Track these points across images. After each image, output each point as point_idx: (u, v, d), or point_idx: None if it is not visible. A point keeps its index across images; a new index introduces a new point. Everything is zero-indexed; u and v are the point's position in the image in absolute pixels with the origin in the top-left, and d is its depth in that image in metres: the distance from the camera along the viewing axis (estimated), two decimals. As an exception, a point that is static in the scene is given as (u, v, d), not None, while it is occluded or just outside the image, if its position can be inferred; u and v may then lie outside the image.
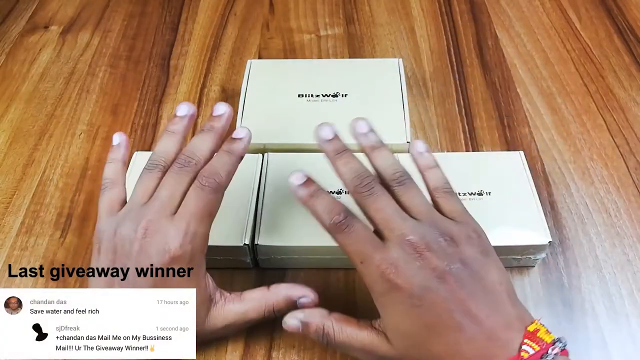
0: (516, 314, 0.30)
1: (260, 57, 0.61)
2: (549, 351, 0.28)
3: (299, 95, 0.50)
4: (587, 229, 0.44)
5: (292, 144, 0.46)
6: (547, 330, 0.29)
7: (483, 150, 0.51)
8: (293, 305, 0.36)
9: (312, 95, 0.49)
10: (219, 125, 0.37)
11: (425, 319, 0.30)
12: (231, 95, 0.56)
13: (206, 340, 0.37)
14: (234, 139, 0.36)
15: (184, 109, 0.38)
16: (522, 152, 0.45)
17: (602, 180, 0.48)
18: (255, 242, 0.40)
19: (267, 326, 0.39)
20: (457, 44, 0.61)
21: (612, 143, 0.51)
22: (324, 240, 0.39)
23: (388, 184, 0.34)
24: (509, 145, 0.51)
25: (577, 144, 0.51)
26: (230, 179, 0.35)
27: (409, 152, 0.38)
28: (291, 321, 0.34)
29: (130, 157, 0.45)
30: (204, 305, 0.35)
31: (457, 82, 0.57)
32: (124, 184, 0.37)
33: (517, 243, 0.40)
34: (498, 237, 0.39)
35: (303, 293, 0.36)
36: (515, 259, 0.41)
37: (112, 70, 0.60)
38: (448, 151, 0.50)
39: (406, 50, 0.61)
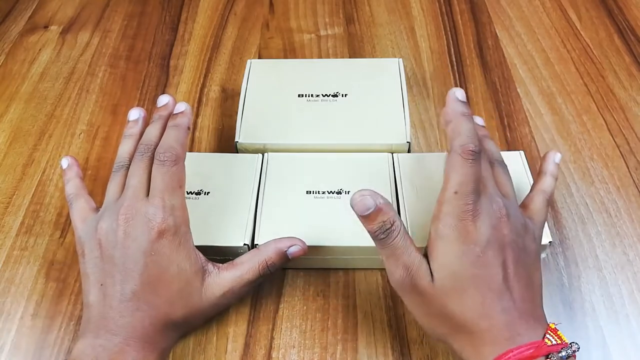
0: (542, 315, 0.32)
1: (260, 57, 0.61)
2: (569, 347, 0.30)
3: (299, 95, 0.49)
4: (587, 229, 0.44)
5: (292, 144, 0.46)
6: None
7: (483, 150, 0.50)
8: (285, 257, 0.37)
9: (312, 95, 0.49)
10: (165, 113, 0.40)
11: (476, 269, 0.31)
12: (231, 95, 0.56)
13: (208, 314, 0.37)
14: (176, 114, 0.39)
15: (135, 114, 0.41)
16: (522, 152, 0.45)
17: (603, 180, 0.48)
18: (255, 242, 0.40)
19: (267, 326, 0.39)
20: (457, 44, 0.61)
21: (612, 143, 0.51)
22: (324, 240, 0.40)
23: (491, 162, 0.37)
24: (509, 145, 0.51)
25: (577, 144, 0.51)
26: (185, 150, 0.37)
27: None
28: (368, 199, 0.32)
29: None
30: (198, 276, 0.36)
31: (457, 82, 0.57)
32: (88, 195, 0.40)
33: (517, 243, 0.40)
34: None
35: (292, 242, 0.38)
36: (516, 259, 0.41)
37: (112, 70, 0.60)
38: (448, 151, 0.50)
39: (406, 50, 0.61)
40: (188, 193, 0.43)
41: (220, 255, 0.40)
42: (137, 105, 0.55)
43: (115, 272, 0.34)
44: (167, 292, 0.34)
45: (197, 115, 0.54)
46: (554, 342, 0.29)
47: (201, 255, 0.37)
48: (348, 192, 0.42)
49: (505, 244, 0.32)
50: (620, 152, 0.50)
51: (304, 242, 0.38)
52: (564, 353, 0.29)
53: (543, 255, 0.41)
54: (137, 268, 0.33)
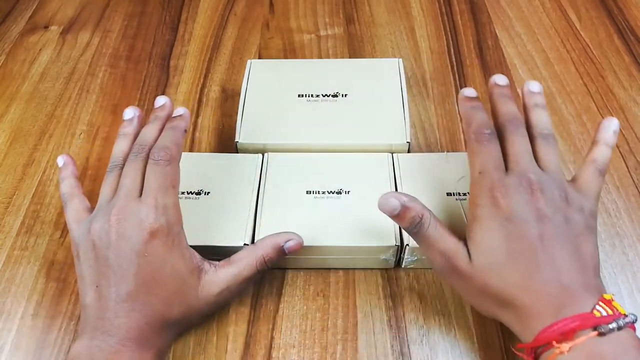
0: (596, 285, 0.31)
1: (260, 57, 0.61)
2: (622, 318, 0.28)
3: (299, 95, 0.50)
4: (587, 229, 0.44)
5: (292, 144, 0.46)
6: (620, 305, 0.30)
7: (483, 150, 0.50)
8: (282, 252, 0.38)
9: (312, 95, 0.49)
10: (162, 114, 0.40)
11: (511, 244, 0.31)
12: (231, 95, 0.56)
13: (205, 312, 0.37)
14: (174, 117, 0.40)
15: (130, 113, 0.41)
16: (522, 152, 0.45)
17: (602, 180, 0.48)
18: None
19: (267, 326, 0.39)
20: (457, 44, 0.61)
21: (612, 143, 0.51)
22: (324, 240, 0.40)
23: (535, 135, 0.36)
24: (509, 145, 0.51)
25: (577, 144, 0.51)
26: (180, 151, 0.37)
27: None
28: (392, 201, 0.34)
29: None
30: (193, 276, 0.35)
31: (457, 82, 0.57)
32: (82, 194, 0.39)
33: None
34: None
35: (288, 237, 0.38)
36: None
37: (112, 70, 0.60)
38: (448, 151, 0.50)
39: (406, 50, 0.61)
40: (188, 193, 0.43)
41: (220, 255, 0.40)
42: (137, 106, 0.55)
43: (110, 273, 0.34)
44: (162, 292, 0.34)
45: (197, 116, 0.55)
46: (604, 314, 0.28)
47: (196, 253, 0.37)
48: (348, 192, 0.42)
49: (541, 217, 0.31)
50: (620, 152, 0.50)
51: (299, 236, 0.38)
52: (614, 324, 0.28)
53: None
54: (131, 269, 0.33)
